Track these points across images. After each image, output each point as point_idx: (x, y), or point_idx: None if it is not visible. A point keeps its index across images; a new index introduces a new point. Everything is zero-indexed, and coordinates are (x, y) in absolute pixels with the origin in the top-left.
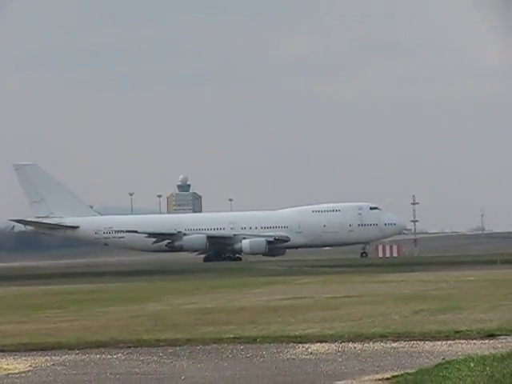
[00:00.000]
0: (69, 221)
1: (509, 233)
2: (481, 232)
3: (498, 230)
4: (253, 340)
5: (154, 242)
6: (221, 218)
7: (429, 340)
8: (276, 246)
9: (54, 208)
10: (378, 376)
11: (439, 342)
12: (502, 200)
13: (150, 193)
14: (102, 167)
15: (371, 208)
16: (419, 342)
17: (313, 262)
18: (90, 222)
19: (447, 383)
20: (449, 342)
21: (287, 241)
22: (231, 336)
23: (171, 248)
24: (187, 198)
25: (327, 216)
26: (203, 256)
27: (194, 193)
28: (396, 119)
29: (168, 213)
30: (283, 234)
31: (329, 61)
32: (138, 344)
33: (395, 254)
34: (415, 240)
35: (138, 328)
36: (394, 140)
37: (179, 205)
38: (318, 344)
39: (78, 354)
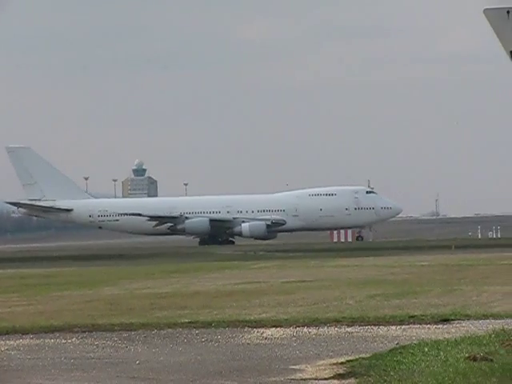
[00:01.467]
0: (62, 204)
1: (463, 218)
2: (435, 217)
3: (453, 215)
4: (208, 324)
5: (155, 226)
6: (217, 202)
7: (383, 325)
8: (272, 230)
9: (46, 191)
10: (333, 360)
11: (393, 327)
12: (456, 185)
13: (105, 177)
14: (58, 151)
15: (367, 192)
16: (374, 327)
17: (268, 246)
18: (83, 205)
19: (401, 368)
20: (403, 326)
21: (283, 224)
22: (186, 320)
23: (173, 231)
24: (143, 183)
25: (324, 200)
26: (198, 239)
27: (150, 177)
28: (352, 103)
29: (123, 197)
30: (280, 217)
31: (286, 45)
32: (93, 328)
33: (350, 239)
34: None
35: (93, 312)
36: (348, 125)
37: (134, 189)
38: (273, 329)
39: (32, 338)
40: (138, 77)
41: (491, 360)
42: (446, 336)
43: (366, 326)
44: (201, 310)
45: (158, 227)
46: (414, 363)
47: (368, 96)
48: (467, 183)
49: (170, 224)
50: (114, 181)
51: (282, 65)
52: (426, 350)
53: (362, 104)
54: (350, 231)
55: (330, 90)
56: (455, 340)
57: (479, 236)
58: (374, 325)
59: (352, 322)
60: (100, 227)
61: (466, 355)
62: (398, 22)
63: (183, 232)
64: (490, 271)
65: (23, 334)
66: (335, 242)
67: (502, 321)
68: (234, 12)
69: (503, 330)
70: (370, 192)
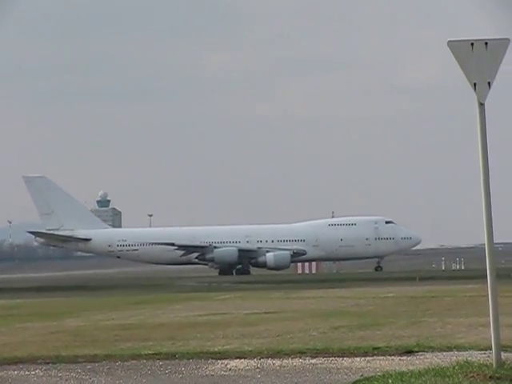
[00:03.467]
0: (81, 233)
1: (427, 249)
2: None
3: (417, 247)
4: (171, 356)
5: (183, 255)
6: (237, 232)
7: (347, 356)
8: (293, 260)
9: (64, 220)
10: None
11: (358, 359)
12: (419, 217)
13: None
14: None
15: (386, 222)
16: (338, 359)
17: (232, 277)
18: (102, 235)
19: None
20: (367, 358)
21: (304, 254)
22: (150, 352)
23: (201, 260)
24: (107, 214)
25: (343, 230)
26: (218, 269)
27: (114, 208)
28: (312, 137)
29: None
30: (300, 247)
31: (248, 78)
32: (57, 360)
33: (314, 271)
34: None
35: (57, 344)
36: (312, 157)
37: None
38: (237, 360)
39: None
40: (99, 108)
41: None
42: (410, 367)
43: (330, 357)
44: (165, 341)
45: (184, 257)
46: None
47: (329, 130)
48: (431, 215)
49: (198, 253)
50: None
51: (243, 97)
52: (390, 381)
53: (323, 138)
54: (313, 263)
55: (290, 123)
56: (419, 372)
57: (443, 268)
58: (338, 356)
59: (316, 353)
60: (118, 257)
61: None
62: (359, 55)
63: (212, 261)
64: (454, 303)
65: None
66: (299, 274)
67: (466, 352)
68: (196, 45)
69: (467, 361)
70: (389, 222)
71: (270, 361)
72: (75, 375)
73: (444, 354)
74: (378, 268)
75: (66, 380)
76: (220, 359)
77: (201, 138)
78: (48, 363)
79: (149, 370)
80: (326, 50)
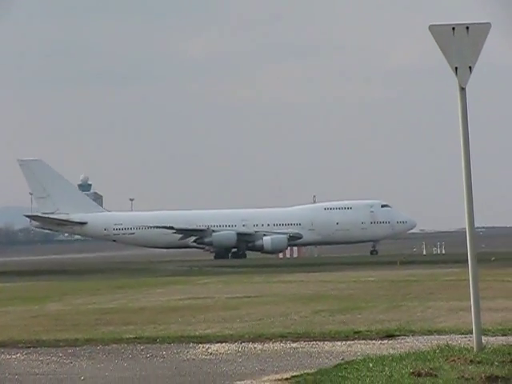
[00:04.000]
0: (76, 217)
1: (408, 234)
2: None
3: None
4: (153, 340)
5: (181, 239)
6: (233, 215)
7: (328, 340)
8: (289, 244)
9: (60, 204)
10: (278, 376)
11: (339, 343)
12: (400, 202)
13: None
14: (3, 166)
15: (382, 206)
16: (319, 343)
17: (214, 261)
18: (98, 219)
19: (346, 383)
20: (348, 342)
21: (300, 238)
22: (131, 336)
23: (200, 244)
24: (88, 198)
25: (339, 213)
26: (214, 253)
27: (95, 192)
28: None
29: None
30: (296, 231)
31: (228, 62)
32: (38, 344)
33: (295, 255)
34: None
35: (38, 328)
36: (294, 143)
37: None
38: (218, 344)
39: None
40: (79, 91)
41: (436, 375)
42: (391, 351)
43: (311, 341)
44: (146, 325)
45: (182, 240)
46: (358, 379)
47: (311, 115)
48: (412, 200)
49: (196, 237)
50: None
51: (224, 81)
52: (371, 365)
53: (304, 123)
54: (295, 248)
55: (271, 108)
56: (400, 355)
57: (424, 252)
58: (320, 340)
59: (297, 337)
60: (114, 240)
61: (411, 371)
62: (342, 40)
63: (210, 244)
64: (435, 287)
65: None
66: (281, 258)
67: (447, 336)
68: (178, 29)
69: (448, 345)
70: (385, 206)
71: (251, 345)
72: (56, 359)
73: (425, 337)
74: (374, 252)
75: (47, 364)
76: (201, 343)
77: (183, 122)
78: (29, 347)
79: (130, 353)
80: (308, 35)
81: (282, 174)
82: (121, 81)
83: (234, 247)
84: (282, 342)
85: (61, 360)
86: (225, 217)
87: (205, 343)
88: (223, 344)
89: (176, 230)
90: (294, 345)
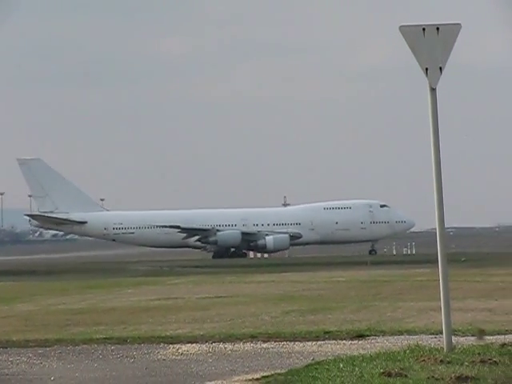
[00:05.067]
0: (76, 216)
1: None
2: None
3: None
4: (123, 341)
5: (185, 238)
6: (233, 215)
7: (299, 340)
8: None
9: (59, 203)
10: (249, 376)
11: (309, 343)
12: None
13: (21, 192)
14: None
15: (381, 206)
16: (289, 343)
17: (184, 262)
18: (98, 218)
19: (317, 383)
20: (319, 342)
21: (300, 237)
22: (101, 336)
23: (204, 243)
24: None
25: (339, 213)
26: (212, 253)
27: None
28: (267, 120)
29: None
30: (296, 230)
31: (201, 61)
32: (7, 344)
33: (266, 255)
34: None
35: (7, 328)
36: (264, 141)
37: None
38: (189, 344)
39: None
40: (48, 92)
41: (406, 376)
42: (361, 352)
43: (281, 341)
44: (116, 325)
45: (185, 239)
46: (329, 379)
47: (281, 113)
48: (384, 200)
49: (199, 236)
50: (30, 196)
51: (198, 79)
52: (342, 365)
53: (274, 121)
54: None
55: (246, 107)
56: (370, 356)
57: (394, 252)
58: (290, 341)
59: (268, 337)
60: (114, 240)
61: (381, 371)
62: (313, 39)
63: (214, 244)
64: (405, 287)
65: None
66: (251, 258)
67: (417, 336)
68: (151, 27)
69: (418, 345)
70: (384, 206)
71: (221, 345)
72: (26, 359)
73: (395, 338)
74: (372, 251)
75: (17, 364)
76: (172, 343)
77: (156, 121)
78: None
79: (100, 354)
80: (284, 34)
81: (254, 172)
82: (93, 81)
83: (238, 246)
84: (252, 342)
85: (31, 360)
86: (225, 216)
87: (175, 343)
88: (194, 344)
89: (182, 229)
90: (265, 345)
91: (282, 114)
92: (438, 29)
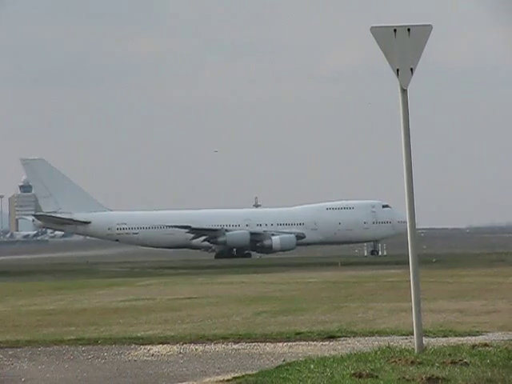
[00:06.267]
0: (80, 216)
1: None
2: None
3: None
4: (94, 341)
5: (193, 238)
6: (236, 215)
7: (270, 342)
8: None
9: (62, 203)
10: (219, 377)
11: (280, 344)
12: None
13: None
14: None
15: (383, 206)
16: (260, 344)
17: (155, 263)
18: (102, 218)
19: None
20: (290, 343)
21: (303, 238)
22: (72, 337)
23: (213, 244)
24: (29, 199)
25: (342, 213)
26: (214, 253)
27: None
28: (235, 121)
29: (10, 214)
30: (299, 230)
31: (171, 62)
32: None
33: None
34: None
35: None
36: (235, 143)
37: (21, 206)
38: (160, 345)
39: None
40: (24, 92)
41: (376, 377)
42: (332, 353)
43: (252, 342)
44: (87, 326)
45: (193, 240)
46: (300, 380)
47: (251, 115)
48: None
49: (206, 236)
50: (1, 197)
51: (167, 80)
52: (312, 366)
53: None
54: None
55: (210, 108)
56: (341, 357)
57: (365, 253)
58: (261, 342)
59: (239, 338)
60: (117, 240)
61: (352, 372)
62: (283, 41)
63: (223, 244)
64: (376, 288)
65: None
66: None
67: (388, 337)
68: (119, 28)
69: (389, 346)
70: (386, 206)
71: (192, 346)
72: None
73: (366, 339)
74: (375, 252)
75: None
76: (143, 344)
77: (124, 121)
78: None
79: (71, 355)
80: (250, 35)
81: (225, 174)
82: (59, 82)
83: (245, 247)
84: (223, 343)
85: (1, 361)
86: (228, 216)
87: (146, 344)
88: (165, 345)
89: (192, 229)
90: (236, 346)
91: (253, 114)
92: (409, 30)
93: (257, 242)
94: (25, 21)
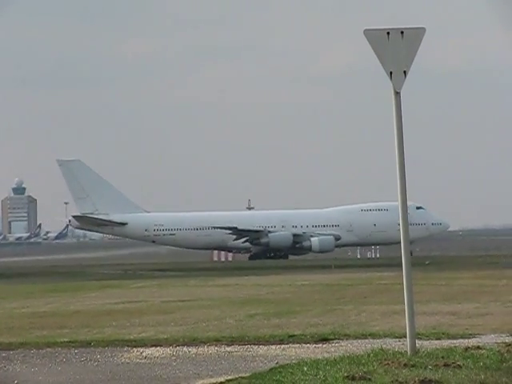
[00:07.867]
0: (117, 217)
1: None
2: None
3: None
4: (87, 344)
5: (235, 239)
6: (271, 217)
7: (263, 344)
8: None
9: (99, 205)
10: (213, 380)
11: (273, 346)
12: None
13: None
14: None
15: (417, 207)
16: (253, 346)
17: (148, 265)
18: (139, 219)
19: None
20: (283, 346)
21: (339, 239)
22: (65, 340)
23: (255, 245)
24: (22, 202)
25: (376, 215)
26: (248, 254)
27: (29, 196)
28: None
29: (3, 216)
30: (335, 232)
31: (163, 63)
32: None
33: (230, 258)
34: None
35: None
36: (225, 144)
37: (14, 208)
38: (153, 348)
39: None
40: (14, 95)
41: (369, 379)
42: (326, 355)
43: (245, 345)
44: (80, 329)
45: (235, 241)
46: (293, 382)
47: (240, 117)
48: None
49: (247, 238)
50: None
51: (158, 82)
52: (306, 369)
53: (233, 125)
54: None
55: (205, 110)
56: (334, 359)
57: (358, 256)
58: (254, 344)
59: (232, 341)
60: (154, 241)
61: (345, 374)
62: (273, 43)
63: (266, 245)
64: (369, 291)
65: None
66: (215, 261)
67: (381, 340)
68: (111, 30)
69: (382, 349)
70: (420, 208)
71: (185, 348)
72: None
73: (359, 341)
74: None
75: None
76: (136, 347)
77: (119, 123)
78: None
79: (64, 357)
80: (240, 37)
81: (218, 175)
82: (54, 83)
83: (288, 248)
84: (216, 345)
85: None
86: (264, 218)
87: (139, 347)
88: (158, 348)
89: (237, 230)
90: (229, 349)
91: (245, 117)
92: (402, 33)
93: (296, 243)
94: (22, 24)
